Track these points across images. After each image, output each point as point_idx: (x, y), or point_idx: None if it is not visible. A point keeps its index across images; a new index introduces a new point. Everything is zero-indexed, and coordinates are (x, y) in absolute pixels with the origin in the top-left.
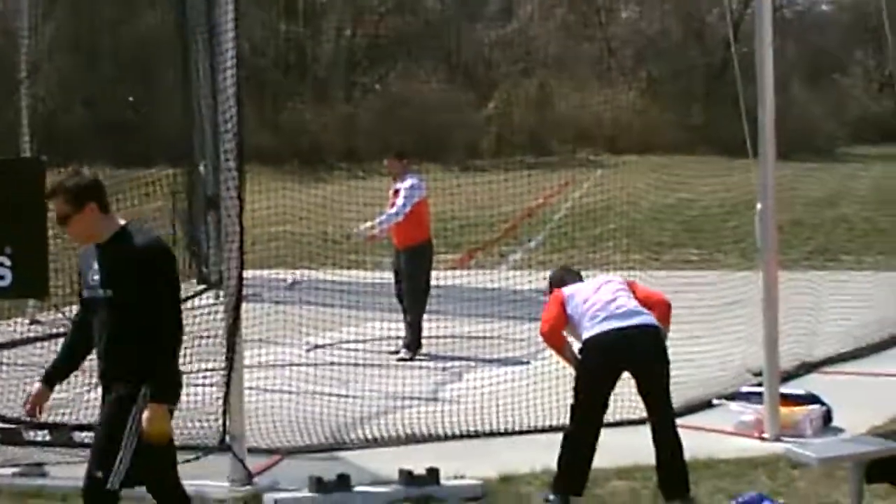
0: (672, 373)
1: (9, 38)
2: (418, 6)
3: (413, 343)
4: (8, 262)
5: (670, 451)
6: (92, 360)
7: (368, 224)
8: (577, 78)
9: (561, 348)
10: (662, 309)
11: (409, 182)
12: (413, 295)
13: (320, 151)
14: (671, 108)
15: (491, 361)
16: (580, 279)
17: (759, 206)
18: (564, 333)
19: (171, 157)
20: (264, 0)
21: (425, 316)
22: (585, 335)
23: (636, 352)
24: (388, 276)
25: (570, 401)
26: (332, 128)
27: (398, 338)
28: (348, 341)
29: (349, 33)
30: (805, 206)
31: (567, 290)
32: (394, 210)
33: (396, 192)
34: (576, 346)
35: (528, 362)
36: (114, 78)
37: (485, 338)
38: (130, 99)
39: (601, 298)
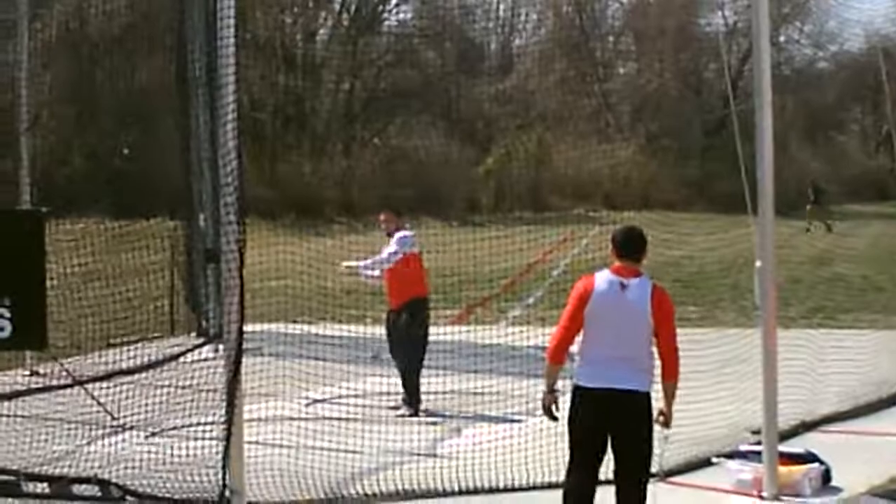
0: (670, 430)
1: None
2: (417, 60)
3: (413, 399)
4: (7, 314)
5: None
6: (90, 413)
7: (354, 263)
8: (576, 133)
9: (551, 368)
10: (671, 363)
11: (401, 233)
12: (411, 351)
13: (318, 205)
14: (669, 164)
15: (490, 418)
16: (633, 256)
17: (758, 263)
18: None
19: (171, 209)
20: (263, 53)
21: (424, 371)
22: (576, 380)
23: (614, 416)
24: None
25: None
26: (330, 181)
27: (397, 393)
28: (347, 396)
29: (348, 87)
30: (802, 263)
31: (598, 281)
32: (384, 255)
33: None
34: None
35: (527, 419)
36: (113, 128)
37: (484, 394)
38: (125, 151)
39: (608, 340)
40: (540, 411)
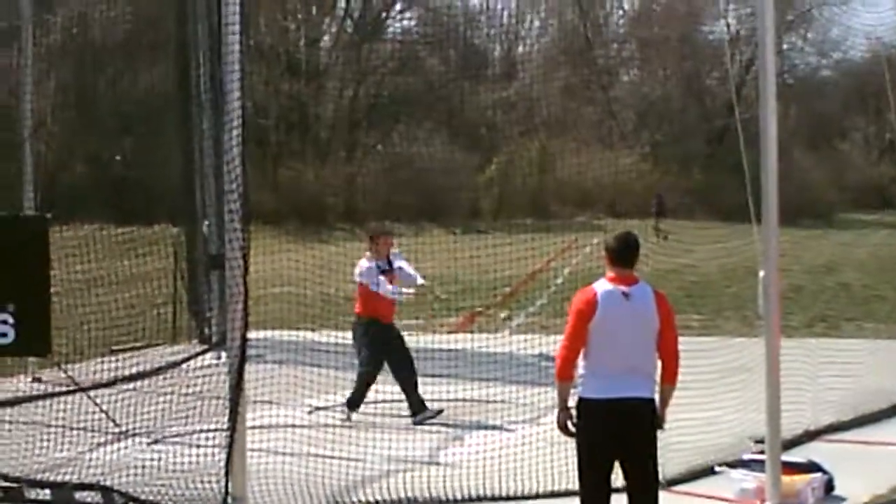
0: (673, 439)
1: (13, 94)
2: (420, 67)
3: (416, 406)
4: (10, 320)
5: None
6: (93, 419)
7: (398, 291)
8: (579, 140)
9: (562, 386)
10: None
11: (398, 254)
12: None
13: (321, 211)
14: (672, 172)
15: (493, 426)
16: (629, 264)
17: (762, 272)
18: (578, 366)
19: (173, 216)
20: (267, 59)
21: (427, 378)
22: (583, 392)
23: (626, 424)
24: None
25: (574, 465)
26: (333, 188)
27: (400, 400)
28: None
29: (351, 93)
30: (805, 272)
31: (600, 294)
32: (415, 276)
33: (388, 270)
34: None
35: (530, 427)
36: (116, 134)
37: (487, 402)
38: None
39: (618, 352)
40: (543, 419)
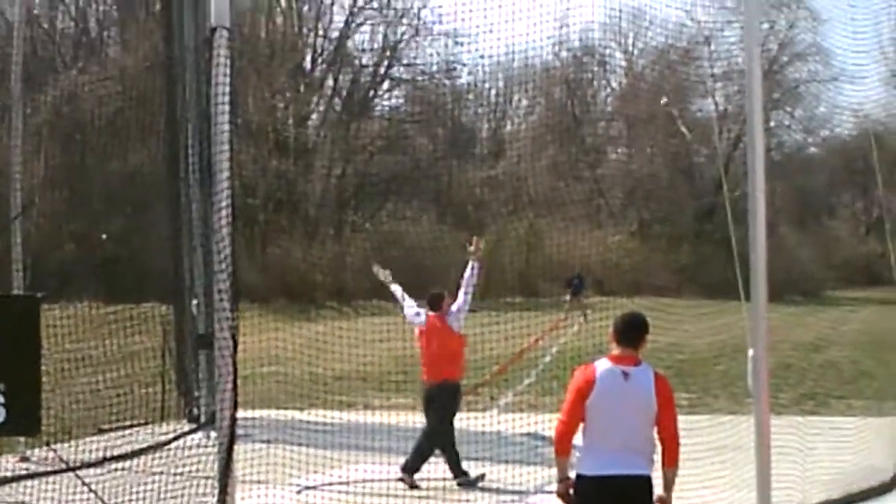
0: None
1: (1, 174)
2: (408, 146)
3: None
4: (1, 399)
5: None
6: (81, 500)
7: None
8: (567, 218)
9: (560, 461)
10: (672, 449)
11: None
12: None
13: (309, 290)
14: (660, 249)
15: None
16: (633, 344)
17: (751, 350)
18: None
19: (162, 294)
20: (255, 137)
21: None
22: (580, 469)
23: (621, 501)
24: (379, 418)
25: None
26: (321, 266)
27: (388, 480)
28: (339, 483)
29: (339, 171)
30: (794, 349)
31: (600, 372)
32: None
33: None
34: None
35: None
36: (104, 213)
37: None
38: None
39: (614, 430)
40: (532, 498)
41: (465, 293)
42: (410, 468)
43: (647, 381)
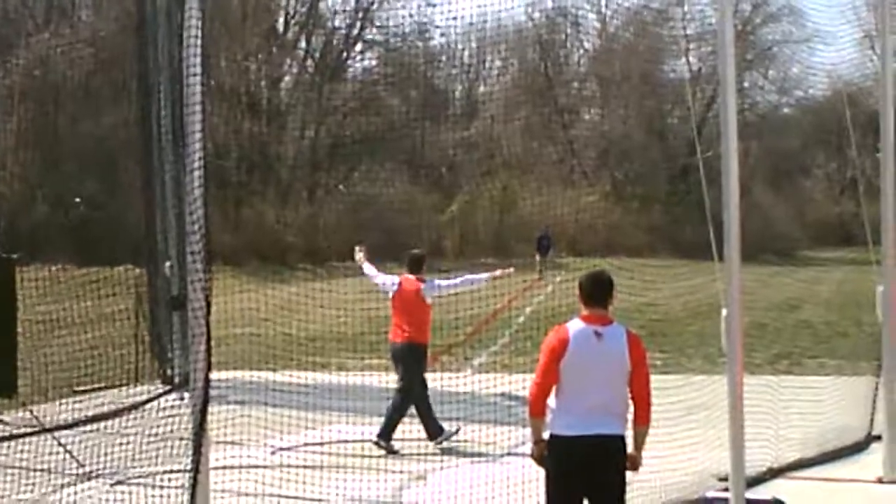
0: (637, 477)
1: None
2: (382, 108)
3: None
4: None
5: None
6: (56, 461)
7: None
8: (541, 179)
9: (534, 422)
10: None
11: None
12: None
13: (282, 251)
14: (634, 210)
15: (456, 465)
16: (602, 303)
17: (724, 310)
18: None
19: (135, 256)
20: (228, 99)
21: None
22: (553, 429)
23: (596, 461)
24: (353, 379)
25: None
26: (294, 228)
27: (362, 441)
28: (313, 443)
29: (312, 133)
30: (768, 309)
31: (573, 333)
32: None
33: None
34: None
35: (493, 465)
36: (77, 175)
37: (450, 441)
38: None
39: (588, 390)
40: (506, 459)
41: (456, 284)
42: (385, 433)
43: (621, 340)
